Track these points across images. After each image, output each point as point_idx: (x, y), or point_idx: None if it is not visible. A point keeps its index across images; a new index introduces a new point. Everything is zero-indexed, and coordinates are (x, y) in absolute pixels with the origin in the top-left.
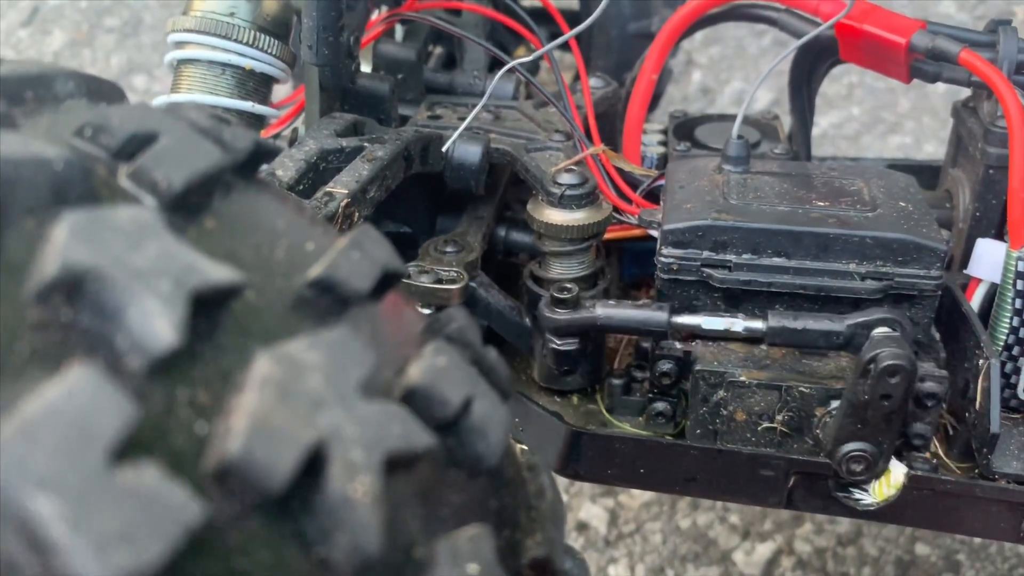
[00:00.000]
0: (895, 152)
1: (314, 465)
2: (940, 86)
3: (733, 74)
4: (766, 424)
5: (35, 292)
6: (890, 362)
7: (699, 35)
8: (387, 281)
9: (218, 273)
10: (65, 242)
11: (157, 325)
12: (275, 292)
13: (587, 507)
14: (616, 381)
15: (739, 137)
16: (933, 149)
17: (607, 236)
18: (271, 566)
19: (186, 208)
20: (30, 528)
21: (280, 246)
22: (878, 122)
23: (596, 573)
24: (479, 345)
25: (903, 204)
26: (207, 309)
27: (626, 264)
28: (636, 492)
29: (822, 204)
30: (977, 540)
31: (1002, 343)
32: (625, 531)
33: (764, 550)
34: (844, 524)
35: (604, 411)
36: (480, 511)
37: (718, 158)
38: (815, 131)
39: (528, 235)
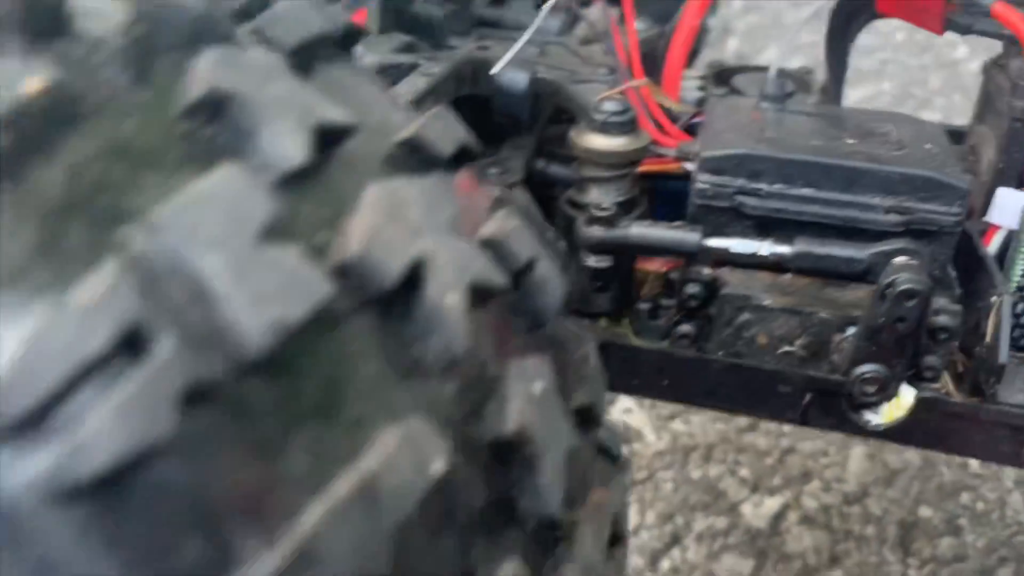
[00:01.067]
0: None
1: (414, 277)
2: (972, 65)
3: (769, 42)
4: (786, 348)
5: (182, 110)
6: (907, 286)
7: (738, 3)
8: (463, 154)
9: (337, 112)
10: (209, 69)
11: (287, 144)
12: (372, 146)
13: None
14: (643, 306)
15: (778, 76)
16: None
17: (642, 169)
18: (375, 355)
19: (294, 67)
20: (196, 282)
21: (372, 111)
22: (908, 97)
23: None
24: (541, 221)
25: (929, 146)
26: (325, 144)
27: (658, 203)
28: (650, 440)
29: (852, 141)
30: (979, 505)
31: (1015, 284)
32: (638, 477)
33: (772, 504)
34: (851, 483)
35: (631, 334)
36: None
37: (755, 100)
38: (845, 103)
39: (566, 168)
